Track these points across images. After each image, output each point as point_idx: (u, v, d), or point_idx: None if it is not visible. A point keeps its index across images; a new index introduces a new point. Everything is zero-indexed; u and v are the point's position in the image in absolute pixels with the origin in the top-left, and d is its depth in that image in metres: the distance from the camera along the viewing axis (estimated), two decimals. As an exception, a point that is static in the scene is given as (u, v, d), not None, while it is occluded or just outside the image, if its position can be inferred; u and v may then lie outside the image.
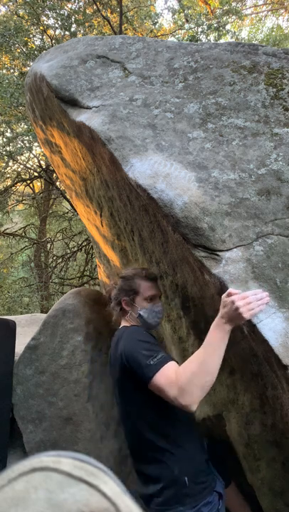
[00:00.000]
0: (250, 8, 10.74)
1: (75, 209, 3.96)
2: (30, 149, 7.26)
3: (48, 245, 9.43)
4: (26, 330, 3.15)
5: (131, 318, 1.56)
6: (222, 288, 1.22)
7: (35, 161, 9.07)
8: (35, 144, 6.88)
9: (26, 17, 6.94)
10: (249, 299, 1.13)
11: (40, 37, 7.49)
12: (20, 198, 9.32)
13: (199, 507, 1.33)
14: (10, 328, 2.35)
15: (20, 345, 2.42)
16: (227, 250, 1.24)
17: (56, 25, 7.27)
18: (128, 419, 1.47)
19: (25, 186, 9.57)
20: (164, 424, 1.39)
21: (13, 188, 8.75)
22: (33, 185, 9.70)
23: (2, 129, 7.40)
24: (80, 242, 8.67)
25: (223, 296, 1.18)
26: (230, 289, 1.18)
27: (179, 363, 1.43)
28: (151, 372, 1.26)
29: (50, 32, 7.52)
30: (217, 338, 1.19)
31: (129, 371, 1.35)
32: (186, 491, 1.33)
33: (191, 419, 1.57)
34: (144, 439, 1.40)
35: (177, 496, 1.33)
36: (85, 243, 8.24)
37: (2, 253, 10.03)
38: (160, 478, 1.36)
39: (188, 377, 1.18)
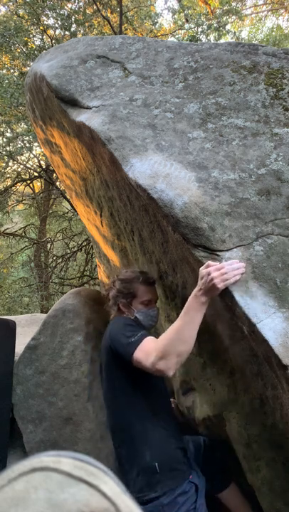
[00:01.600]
0: (250, 8, 10.74)
1: (75, 209, 3.96)
2: (30, 149, 7.26)
3: (48, 245, 9.43)
4: (26, 330, 3.15)
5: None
6: (222, 288, 1.21)
7: (35, 161, 9.07)
8: (35, 144, 6.89)
9: (26, 17, 6.94)
10: (224, 270, 1.16)
11: (40, 37, 7.49)
12: (21, 198, 9.32)
13: (175, 496, 1.36)
14: (10, 328, 2.35)
15: (20, 345, 2.42)
16: (227, 250, 1.24)
17: (56, 25, 7.28)
18: (110, 401, 1.54)
19: (25, 186, 9.57)
20: (142, 407, 1.46)
21: (13, 188, 8.75)
22: (33, 185, 9.70)
23: (2, 129, 7.40)
24: (80, 242, 8.67)
25: (201, 268, 1.23)
26: (209, 261, 1.22)
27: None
28: (131, 349, 1.35)
29: (50, 32, 7.52)
30: (193, 309, 1.24)
31: (114, 352, 1.44)
32: (158, 478, 1.37)
33: (170, 409, 1.64)
34: (122, 420, 1.47)
35: (149, 484, 1.37)
36: (85, 243, 8.24)
37: (2, 253, 10.03)
38: (133, 464, 1.42)
39: (165, 343, 1.25)
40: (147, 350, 1.32)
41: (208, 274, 1.19)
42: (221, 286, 1.17)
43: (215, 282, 1.17)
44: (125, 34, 6.70)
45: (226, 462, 1.70)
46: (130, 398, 1.48)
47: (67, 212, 9.44)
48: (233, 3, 8.55)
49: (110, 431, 1.56)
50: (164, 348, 1.25)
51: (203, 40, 7.64)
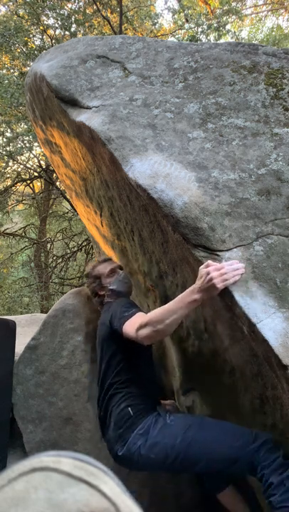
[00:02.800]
0: (250, 8, 10.74)
1: (75, 209, 3.96)
2: (30, 149, 7.26)
3: (48, 245, 9.42)
4: (26, 330, 3.14)
5: (108, 298, 1.86)
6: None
7: (35, 161, 9.07)
8: (35, 143, 6.88)
9: (26, 17, 6.94)
10: (224, 270, 1.18)
11: (40, 37, 7.49)
12: (21, 198, 9.32)
13: (142, 425, 1.51)
14: (10, 328, 2.35)
15: (20, 345, 2.42)
16: (227, 250, 1.24)
17: (56, 25, 7.27)
18: (103, 372, 1.69)
19: (25, 186, 9.56)
20: (127, 371, 1.63)
21: (13, 188, 8.75)
22: (33, 185, 9.70)
23: (2, 129, 7.40)
24: (80, 242, 8.67)
25: (201, 267, 1.25)
26: (209, 261, 1.25)
27: (179, 363, 1.54)
28: (123, 320, 1.53)
29: (50, 32, 7.52)
30: (183, 302, 1.29)
31: (110, 326, 1.62)
32: (132, 420, 1.53)
33: (155, 385, 1.79)
34: (108, 384, 1.64)
35: (126, 427, 1.53)
36: (85, 243, 8.24)
37: (2, 253, 10.02)
38: (112, 420, 1.58)
39: (150, 315, 1.38)
40: (134, 323, 1.47)
41: (208, 273, 1.20)
42: (220, 286, 1.18)
43: (214, 282, 1.17)
44: (125, 34, 6.70)
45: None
46: (120, 365, 1.64)
47: (67, 212, 9.44)
48: (233, 3, 8.55)
49: (98, 400, 1.72)
50: (146, 319, 1.39)
51: (203, 40, 7.64)
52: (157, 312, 1.35)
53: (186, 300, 1.28)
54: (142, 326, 1.39)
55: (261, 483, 1.29)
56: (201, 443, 1.41)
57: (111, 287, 1.88)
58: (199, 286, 1.23)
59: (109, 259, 2.05)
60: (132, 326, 1.47)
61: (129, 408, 1.56)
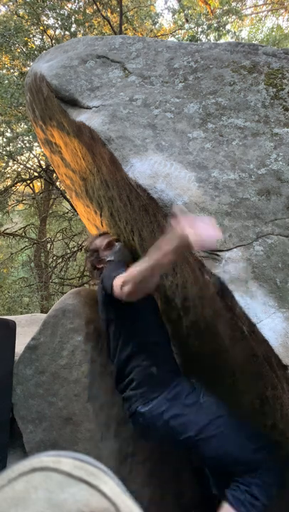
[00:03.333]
0: (250, 8, 10.74)
1: (75, 209, 3.96)
2: (30, 149, 7.26)
3: (48, 245, 9.42)
4: (26, 330, 3.14)
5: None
6: (222, 288, 1.22)
7: (35, 161, 9.07)
8: (35, 143, 6.88)
9: (26, 17, 6.94)
10: (200, 230, 1.13)
11: (40, 37, 7.49)
12: (21, 198, 9.32)
13: (170, 390, 1.50)
14: (10, 328, 2.35)
15: (20, 345, 2.42)
16: (227, 250, 1.24)
17: (56, 25, 7.27)
18: (113, 339, 1.71)
19: (25, 186, 9.56)
20: (136, 334, 1.64)
21: (13, 188, 8.75)
22: (33, 185, 9.70)
23: (2, 129, 7.40)
24: (80, 242, 8.67)
25: (174, 223, 1.19)
26: (177, 212, 1.19)
27: (179, 363, 1.53)
28: (110, 282, 1.53)
29: (50, 32, 7.52)
30: (160, 254, 1.24)
31: (105, 293, 1.63)
32: (157, 380, 1.53)
33: (168, 345, 1.75)
34: (125, 355, 1.64)
35: (151, 386, 1.53)
36: (85, 243, 8.23)
37: (2, 253, 10.03)
38: (135, 379, 1.58)
39: (130, 271, 1.40)
40: (119, 283, 1.47)
41: (183, 229, 1.16)
42: (197, 247, 1.15)
43: (191, 241, 1.13)
44: (125, 34, 6.70)
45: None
46: (130, 331, 1.65)
47: (67, 212, 9.44)
48: (233, 3, 8.55)
49: (116, 373, 1.71)
50: (126, 276, 1.41)
51: (203, 40, 7.64)
52: (136, 266, 1.36)
53: (167, 254, 1.24)
54: (124, 284, 1.40)
55: (234, 476, 1.33)
56: (224, 439, 1.39)
57: (108, 259, 1.92)
58: (177, 246, 1.19)
59: (105, 233, 2.09)
60: (117, 286, 1.47)
61: (154, 368, 1.55)
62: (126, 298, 1.41)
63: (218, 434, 1.38)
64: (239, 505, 1.24)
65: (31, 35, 7.22)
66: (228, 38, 8.02)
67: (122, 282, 1.42)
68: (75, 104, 1.75)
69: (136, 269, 1.36)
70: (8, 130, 7.46)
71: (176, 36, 8.63)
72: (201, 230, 1.13)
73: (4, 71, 7.35)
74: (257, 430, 1.42)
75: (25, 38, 6.81)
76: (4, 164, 7.96)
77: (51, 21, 7.36)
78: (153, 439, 1.67)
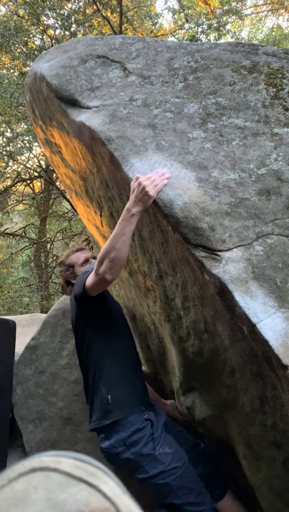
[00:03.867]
0: (250, 8, 10.74)
1: (75, 209, 3.96)
2: (30, 149, 7.26)
3: (48, 245, 9.42)
4: (26, 330, 3.14)
5: None
6: (222, 288, 1.22)
7: (35, 161, 9.07)
8: (35, 143, 6.89)
9: (26, 17, 6.94)
10: (153, 178, 1.30)
11: (40, 37, 7.49)
12: (21, 198, 9.32)
13: (131, 432, 1.55)
14: (10, 328, 2.35)
15: (20, 345, 2.42)
16: (227, 250, 1.24)
17: (56, 25, 7.27)
18: (81, 354, 1.73)
19: (25, 186, 9.57)
20: (106, 352, 1.66)
21: (13, 188, 8.75)
22: (33, 185, 9.70)
23: (2, 129, 7.40)
24: (80, 242, 8.66)
25: (132, 182, 1.35)
26: (137, 175, 1.34)
27: (179, 363, 1.55)
28: (83, 281, 1.56)
29: (50, 32, 7.52)
30: (124, 220, 1.37)
31: (77, 300, 1.65)
32: (109, 408, 1.58)
33: (135, 360, 1.81)
34: (90, 367, 1.67)
35: (103, 413, 1.59)
36: (85, 243, 8.23)
37: (2, 253, 10.03)
38: (94, 399, 1.64)
39: (101, 252, 1.43)
40: (91, 274, 1.53)
41: (140, 184, 1.30)
42: (152, 192, 1.29)
43: (147, 190, 1.28)
44: (125, 34, 6.69)
45: (220, 473, 1.75)
46: (95, 344, 1.68)
47: (67, 212, 9.44)
48: (233, 3, 8.54)
49: (83, 380, 1.77)
50: (99, 256, 1.44)
51: (203, 40, 7.64)
52: (106, 244, 1.41)
53: (126, 218, 1.36)
54: (99, 266, 1.43)
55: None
56: (175, 488, 1.52)
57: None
58: (134, 200, 1.33)
59: (82, 249, 2.07)
60: (90, 277, 1.52)
61: (109, 397, 1.60)
62: (106, 277, 1.44)
63: (164, 484, 1.52)
64: None
65: (31, 35, 7.22)
66: (228, 38, 8.02)
67: (96, 268, 1.46)
68: (75, 104, 1.75)
69: (106, 244, 1.42)
70: (8, 130, 7.47)
71: (176, 36, 8.63)
72: (154, 177, 1.29)
73: (4, 71, 7.35)
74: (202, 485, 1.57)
75: (25, 38, 6.81)
76: (4, 164, 7.96)
77: (51, 21, 7.37)
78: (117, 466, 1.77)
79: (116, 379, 1.65)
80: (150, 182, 1.29)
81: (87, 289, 1.56)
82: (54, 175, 8.16)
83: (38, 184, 10.07)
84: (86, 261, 1.96)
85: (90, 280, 1.54)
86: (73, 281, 1.91)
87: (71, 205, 6.18)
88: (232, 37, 8.05)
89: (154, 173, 1.33)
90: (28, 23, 6.99)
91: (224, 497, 1.67)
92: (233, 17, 8.49)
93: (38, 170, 8.83)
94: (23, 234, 9.11)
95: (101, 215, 2.20)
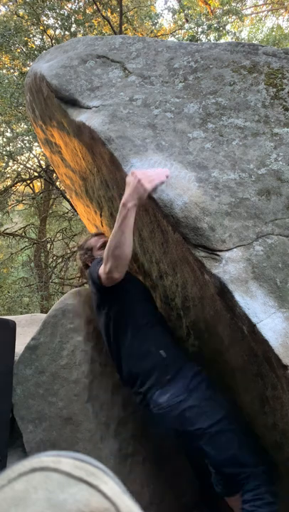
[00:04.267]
0: (250, 8, 10.74)
1: (75, 209, 3.96)
2: (30, 149, 7.26)
3: (48, 245, 9.42)
4: (26, 330, 3.14)
5: None
6: (222, 288, 1.22)
7: (35, 161, 9.07)
8: (35, 143, 6.88)
9: (26, 17, 6.94)
10: (150, 173, 1.31)
11: (40, 37, 7.48)
12: (21, 198, 9.32)
13: (190, 378, 1.51)
14: (10, 328, 2.35)
15: (20, 345, 2.42)
16: (227, 250, 1.24)
17: (56, 25, 7.27)
18: (110, 337, 1.69)
19: (25, 186, 9.57)
20: (131, 323, 1.63)
21: (13, 188, 8.75)
22: (33, 185, 9.70)
23: (2, 129, 7.40)
24: (80, 243, 8.64)
25: (127, 177, 1.35)
26: (133, 170, 1.35)
27: (179, 363, 1.54)
28: (97, 272, 1.56)
29: (50, 32, 7.51)
30: (121, 216, 1.36)
31: (94, 284, 1.63)
32: (166, 362, 1.54)
33: (165, 326, 1.76)
34: (125, 345, 1.62)
35: (160, 368, 1.53)
36: (79, 241, 8.21)
37: (2, 253, 10.03)
38: (145, 367, 1.56)
39: (105, 251, 1.44)
40: (102, 267, 1.52)
41: (135, 177, 1.31)
42: (147, 186, 1.29)
43: (143, 183, 1.29)
44: (125, 34, 6.69)
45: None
46: (124, 321, 1.64)
47: (67, 212, 9.44)
48: (233, 3, 8.54)
49: (122, 373, 1.69)
50: (104, 256, 1.45)
51: (203, 40, 7.64)
52: (108, 242, 1.42)
53: (123, 213, 1.36)
54: (105, 265, 1.44)
55: (241, 492, 1.39)
56: (233, 437, 1.42)
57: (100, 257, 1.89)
58: (129, 193, 1.33)
59: (101, 234, 2.08)
60: (101, 270, 1.52)
61: (162, 351, 1.56)
62: (112, 275, 1.44)
63: (228, 430, 1.42)
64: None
65: (31, 35, 7.22)
66: (228, 38, 8.02)
67: (102, 267, 1.48)
68: (75, 104, 1.75)
69: (109, 242, 1.42)
70: (8, 130, 7.47)
71: (176, 36, 8.63)
72: (150, 172, 1.31)
73: (4, 71, 7.35)
74: (260, 445, 1.45)
75: (25, 38, 6.81)
76: (4, 164, 7.96)
77: (51, 21, 7.37)
78: (163, 426, 1.65)
79: (163, 339, 1.63)
80: (146, 176, 1.30)
81: (101, 282, 1.56)
82: (54, 175, 8.16)
83: (38, 184, 10.07)
84: (104, 244, 1.94)
85: (100, 274, 1.54)
86: (89, 264, 1.92)
87: (71, 205, 6.18)
88: (232, 37, 8.05)
89: (151, 170, 1.34)
90: (28, 23, 6.99)
91: (238, 493, 1.66)
92: (233, 17, 8.48)
93: (38, 170, 8.83)
94: (23, 234, 9.11)
95: (101, 215, 2.20)
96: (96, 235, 2.06)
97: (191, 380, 1.51)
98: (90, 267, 1.79)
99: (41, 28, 7.14)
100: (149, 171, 1.33)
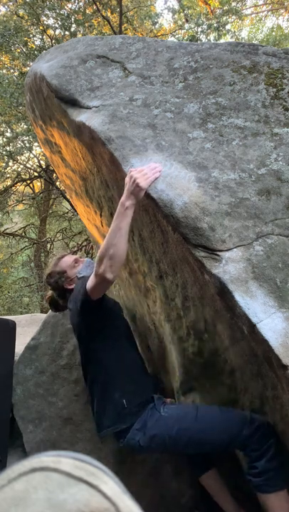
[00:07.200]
0: (250, 8, 10.73)
1: (75, 209, 3.97)
2: (30, 149, 7.26)
3: (48, 245, 9.42)
4: (26, 330, 3.14)
5: None
6: (222, 288, 1.22)
7: (35, 161, 9.07)
8: (35, 143, 6.89)
9: (26, 17, 6.94)
10: (144, 171, 1.33)
11: (40, 37, 7.48)
12: (20, 198, 9.32)
13: (144, 421, 1.56)
14: (10, 328, 2.35)
15: (20, 345, 2.42)
16: (227, 250, 1.24)
17: (56, 25, 7.27)
18: (85, 362, 1.73)
19: (25, 186, 9.57)
20: (112, 359, 1.65)
21: (13, 188, 8.75)
22: (33, 185, 9.70)
23: (2, 129, 7.40)
24: (80, 242, 8.67)
25: (126, 177, 1.37)
26: (131, 169, 1.37)
27: (179, 363, 1.56)
28: (84, 286, 1.54)
29: (50, 32, 7.52)
30: (118, 214, 1.38)
31: (79, 307, 1.61)
32: (126, 412, 1.58)
33: (138, 361, 1.79)
34: (97, 375, 1.66)
35: (120, 416, 1.58)
36: (85, 243, 8.24)
37: (2, 253, 10.02)
38: (105, 405, 1.62)
39: (100, 251, 1.42)
40: (92, 276, 1.51)
41: (131, 177, 1.33)
42: (143, 184, 1.31)
43: (138, 181, 1.31)
44: (125, 34, 6.70)
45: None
46: (100, 354, 1.67)
47: (67, 212, 9.44)
48: (233, 3, 8.54)
49: (88, 386, 1.75)
50: (98, 256, 1.43)
51: (203, 40, 7.64)
52: (104, 242, 1.41)
53: (121, 212, 1.37)
54: (98, 265, 1.42)
55: (246, 460, 1.40)
56: (196, 433, 1.48)
57: (80, 275, 1.82)
58: (126, 193, 1.35)
59: (66, 254, 2.01)
60: (91, 279, 1.50)
61: (124, 400, 1.59)
62: (107, 276, 1.42)
63: (187, 432, 1.49)
64: (266, 489, 1.34)
65: (31, 35, 7.22)
66: (228, 38, 8.02)
67: (95, 268, 1.44)
68: (75, 104, 1.75)
69: (104, 242, 1.41)
70: (8, 130, 7.46)
71: (176, 36, 8.63)
72: (145, 170, 1.33)
73: (4, 71, 7.35)
74: (234, 411, 1.49)
75: (25, 38, 6.81)
76: (4, 164, 7.96)
77: (51, 21, 7.37)
78: (144, 454, 1.78)
79: (127, 383, 1.65)
80: (142, 175, 1.32)
81: (90, 293, 1.54)
82: (54, 175, 8.16)
83: (38, 184, 10.07)
84: (76, 261, 1.91)
85: (90, 283, 1.51)
86: (69, 287, 1.84)
87: (71, 205, 6.18)
88: (232, 37, 8.05)
89: (146, 166, 1.35)
90: (28, 23, 6.99)
91: (208, 471, 1.71)
92: (233, 17, 8.48)
93: (38, 170, 8.83)
94: (23, 234, 9.11)
95: (101, 215, 2.20)
96: (62, 256, 1.97)
97: (138, 421, 1.57)
98: (74, 287, 1.75)
99: (41, 28, 7.14)
100: (144, 168, 1.35)
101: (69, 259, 1.91)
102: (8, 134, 7.51)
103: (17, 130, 7.42)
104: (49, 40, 7.27)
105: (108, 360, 1.66)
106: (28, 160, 9.04)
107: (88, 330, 1.69)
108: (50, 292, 1.97)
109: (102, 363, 1.67)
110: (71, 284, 1.84)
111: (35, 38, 7.48)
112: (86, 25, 7.10)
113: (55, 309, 2.01)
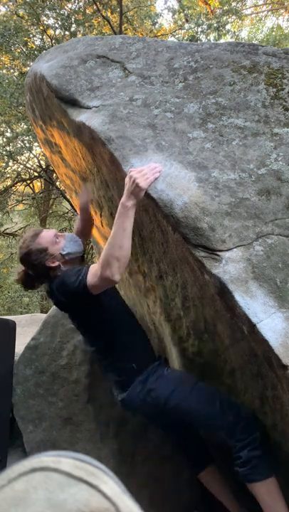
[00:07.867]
0: (250, 8, 10.74)
1: (75, 209, 3.96)
2: (30, 149, 7.26)
3: (48, 245, 9.39)
4: (26, 330, 3.15)
5: (64, 265, 1.70)
6: (222, 288, 1.22)
7: (35, 161, 9.07)
8: (35, 143, 6.89)
9: (26, 17, 6.94)
10: (144, 171, 1.33)
11: (40, 37, 7.49)
12: (20, 198, 9.32)
13: (145, 376, 1.61)
14: (10, 328, 2.35)
15: (20, 345, 2.42)
16: (227, 250, 1.24)
17: (56, 25, 7.28)
18: (88, 341, 1.77)
19: (25, 186, 9.57)
20: (110, 335, 1.66)
21: (13, 188, 8.75)
22: (33, 185, 9.70)
23: (2, 129, 7.40)
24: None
25: (126, 178, 1.38)
26: (130, 169, 1.37)
27: (179, 363, 1.57)
28: (83, 282, 1.49)
29: (50, 32, 7.52)
30: (121, 216, 1.38)
31: (72, 301, 1.58)
32: (136, 371, 1.62)
33: (138, 330, 1.80)
34: (101, 352, 1.71)
35: (130, 376, 1.62)
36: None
37: (2, 253, 10.03)
38: (114, 369, 1.68)
39: (103, 254, 1.40)
40: (94, 272, 1.47)
41: (131, 177, 1.33)
42: (143, 184, 1.31)
43: (138, 182, 1.31)
44: (125, 34, 6.70)
45: (204, 443, 1.80)
46: (105, 329, 1.67)
47: (67, 212, 9.44)
48: (233, 3, 8.55)
49: (98, 357, 1.81)
50: (103, 258, 1.41)
51: (203, 40, 7.64)
52: (106, 247, 1.40)
53: (122, 213, 1.38)
54: (105, 268, 1.39)
55: (232, 450, 1.44)
56: (184, 400, 1.53)
57: (64, 252, 1.70)
58: (126, 193, 1.35)
59: (42, 229, 1.83)
60: (94, 276, 1.46)
61: (134, 365, 1.64)
62: (113, 277, 1.40)
63: (183, 397, 1.53)
64: (252, 477, 1.39)
65: (31, 35, 7.22)
66: (228, 38, 8.02)
67: (100, 267, 1.41)
68: (75, 104, 1.75)
69: (108, 244, 1.39)
70: (8, 130, 7.47)
71: (176, 36, 8.63)
72: (145, 170, 1.33)
73: (4, 71, 7.35)
74: (228, 398, 1.54)
75: (25, 38, 6.81)
76: (4, 164, 7.96)
77: (51, 21, 7.37)
78: (141, 414, 1.78)
79: (133, 351, 1.69)
80: (141, 175, 1.32)
81: (91, 289, 1.50)
82: (54, 175, 8.16)
83: (38, 184, 10.07)
84: (57, 236, 1.75)
85: (93, 281, 1.47)
86: (53, 265, 1.68)
87: (71, 205, 6.18)
88: (232, 37, 8.06)
89: (146, 166, 1.36)
90: (28, 23, 6.99)
91: (206, 467, 1.74)
92: (233, 17, 8.49)
93: (38, 170, 8.84)
94: (23, 234, 9.09)
95: (101, 215, 2.20)
96: (39, 232, 1.77)
97: (142, 375, 1.62)
98: (61, 276, 1.61)
99: (41, 28, 7.14)
100: (143, 168, 1.35)
101: (48, 234, 1.74)
102: (8, 134, 7.51)
103: (17, 130, 7.43)
104: (49, 40, 7.28)
105: (112, 335, 1.68)
106: (28, 160, 9.05)
107: (85, 311, 1.65)
108: (21, 269, 1.79)
109: (107, 337, 1.68)
110: (54, 262, 1.68)
111: (35, 38, 7.49)
112: (86, 25, 7.10)
113: (27, 287, 1.85)
